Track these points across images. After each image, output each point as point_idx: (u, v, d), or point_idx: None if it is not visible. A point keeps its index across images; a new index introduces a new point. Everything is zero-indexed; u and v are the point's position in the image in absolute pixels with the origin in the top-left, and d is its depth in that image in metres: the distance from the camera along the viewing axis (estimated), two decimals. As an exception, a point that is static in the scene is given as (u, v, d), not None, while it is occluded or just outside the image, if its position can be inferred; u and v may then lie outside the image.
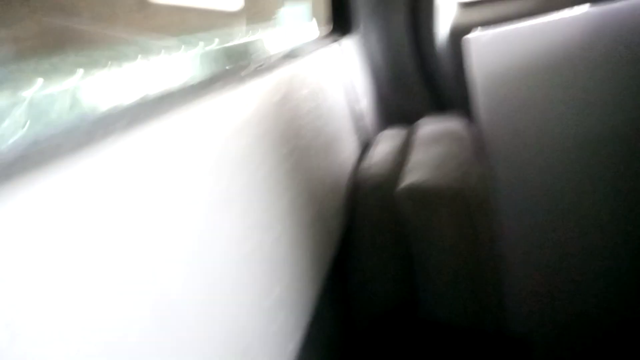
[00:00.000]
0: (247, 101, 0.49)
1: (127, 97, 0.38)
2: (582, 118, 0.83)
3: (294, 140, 0.57)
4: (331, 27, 0.98)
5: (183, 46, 0.50)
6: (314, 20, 0.91)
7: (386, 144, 0.85)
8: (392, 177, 0.72)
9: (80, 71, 0.34)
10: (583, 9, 0.82)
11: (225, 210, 0.38)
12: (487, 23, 1.01)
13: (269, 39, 0.71)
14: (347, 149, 0.78)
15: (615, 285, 0.86)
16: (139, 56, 0.42)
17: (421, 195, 0.57)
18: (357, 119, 0.87)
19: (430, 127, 0.84)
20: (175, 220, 0.32)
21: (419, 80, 1.04)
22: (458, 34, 1.05)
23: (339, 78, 0.81)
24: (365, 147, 0.87)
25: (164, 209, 0.31)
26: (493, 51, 0.81)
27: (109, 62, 0.38)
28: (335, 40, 0.87)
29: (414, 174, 0.61)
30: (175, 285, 0.31)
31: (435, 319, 0.61)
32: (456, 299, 0.60)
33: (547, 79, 0.82)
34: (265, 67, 0.62)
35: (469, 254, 0.57)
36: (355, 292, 0.68)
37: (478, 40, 0.80)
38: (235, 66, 0.58)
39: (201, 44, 0.53)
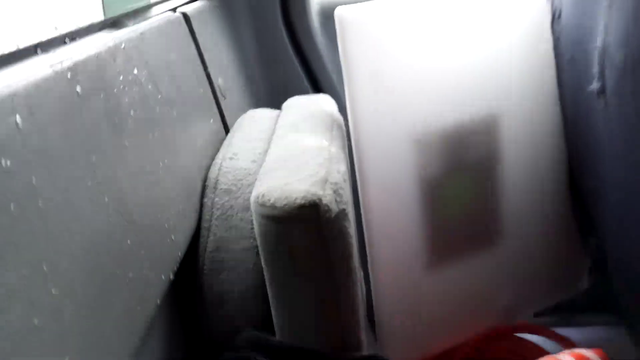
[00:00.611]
0: (39, 90, 0.35)
1: None
2: (459, 102, 0.79)
3: (115, 138, 0.44)
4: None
5: None
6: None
7: (249, 129, 0.74)
8: (250, 177, 0.62)
9: None
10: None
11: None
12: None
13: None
14: (203, 137, 0.67)
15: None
16: None
17: (269, 208, 0.47)
18: (215, 99, 0.75)
19: (296, 110, 0.74)
20: None
21: (288, 55, 0.94)
22: (331, 4, 0.96)
23: (188, 52, 0.68)
24: (227, 132, 0.76)
25: None
26: (365, 26, 0.72)
27: None
28: (180, 5, 0.73)
29: (267, 180, 0.52)
30: None
31: (294, 342, 0.53)
32: (311, 322, 0.52)
33: (422, 61, 0.75)
34: (73, 41, 0.48)
35: (321, 275, 0.50)
36: (203, 312, 0.58)
37: (350, 12, 0.72)
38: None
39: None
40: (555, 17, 0.72)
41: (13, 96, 0.33)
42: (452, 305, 0.91)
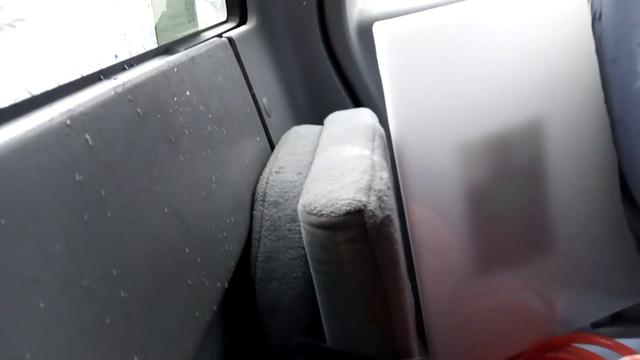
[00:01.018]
0: (105, 112, 0.39)
1: None
2: (502, 108, 0.79)
3: (172, 154, 0.47)
4: (225, 17, 0.88)
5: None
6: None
7: (294, 144, 0.77)
8: (296, 189, 0.64)
9: None
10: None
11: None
12: (399, 12, 0.95)
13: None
14: (250, 153, 0.70)
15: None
16: None
17: (316, 216, 0.49)
18: (260, 118, 0.78)
19: (338, 124, 0.76)
20: None
21: (328, 72, 0.96)
22: (368, 21, 0.98)
23: (234, 74, 0.72)
24: (273, 148, 0.79)
25: None
26: (405, 39, 0.74)
27: None
28: (226, 31, 0.77)
29: (312, 189, 0.54)
30: None
31: (343, 349, 0.54)
32: (361, 328, 0.53)
33: (464, 68, 0.76)
34: (132, 68, 0.52)
35: (369, 281, 0.51)
36: (255, 320, 0.60)
37: (388, 27, 0.73)
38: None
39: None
40: (596, 18, 0.71)
41: (84, 117, 0.37)
42: (504, 315, 0.90)
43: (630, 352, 0.86)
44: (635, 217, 0.86)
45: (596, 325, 1.05)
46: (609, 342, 0.89)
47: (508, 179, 0.82)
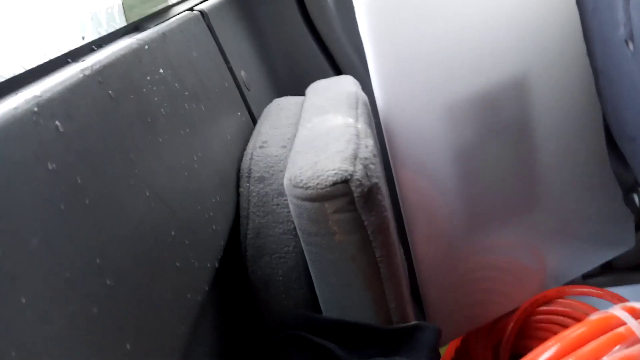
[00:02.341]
0: (74, 96, 0.37)
1: None
2: (485, 64, 0.78)
3: (149, 136, 0.46)
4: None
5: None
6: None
7: (276, 117, 0.75)
8: (281, 163, 0.63)
9: None
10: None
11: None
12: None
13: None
14: (232, 129, 0.68)
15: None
16: None
17: (302, 189, 0.48)
18: (240, 92, 0.76)
19: (320, 94, 0.75)
20: None
21: (307, 40, 0.94)
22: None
23: (209, 48, 0.70)
24: (255, 123, 0.78)
25: None
26: (384, 1, 0.72)
27: None
28: (198, 4, 0.75)
29: (297, 161, 0.53)
30: None
31: (339, 318, 0.54)
32: (355, 297, 0.53)
33: (446, 27, 0.74)
34: (100, 48, 0.50)
35: (360, 250, 0.50)
36: (249, 297, 0.60)
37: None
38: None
39: None
40: (575, -32, 0.70)
41: (52, 103, 0.35)
42: (497, 273, 0.91)
43: (621, 299, 0.87)
44: (621, 168, 0.86)
45: (587, 276, 1.07)
46: (600, 292, 0.91)
47: (495, 137, 0.81)
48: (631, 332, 0.60)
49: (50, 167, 0.33)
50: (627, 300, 0.80)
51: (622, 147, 0.78)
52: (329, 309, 0.56)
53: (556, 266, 0.94)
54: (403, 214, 0.79)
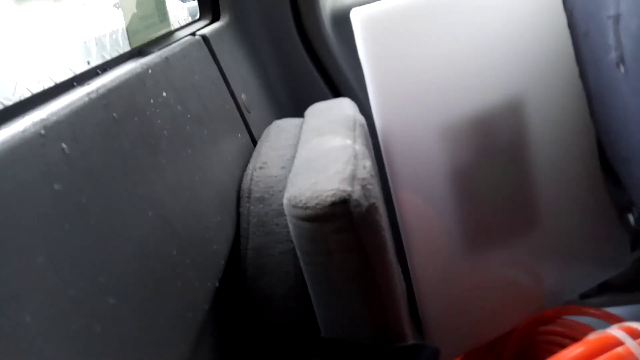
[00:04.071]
0: (80, 119, 0.38)
1: None
2: (482, 87, 0.79)
3: (152, 157, 0.47)
4: (197, 15, 0.87)
5: None
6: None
7: (276, 138, 0.76)
8: (281, 183, 0.64)
9: None
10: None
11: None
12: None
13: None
14: (232, 151, 0.69)
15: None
16: None
17: (301, 209, 0.49)
18: (240, 114, 0.77)
19: (318, 116, 0.76)
20: None
21: (305, 64, 0.96)
22: (342, 10, 0.98)
23: (210, 72, 0.71)
24: (255, 144, 0.79)
25: None
26: (382, 23, 0.74)
27: None
28: (200, 29, 0.76)
29: (297, 182, 0.54)
30: None
31: (338, 338, 0.54)
32: (354, 317, 0.54)
33: (442, 45, 0.76)
34: (105, 72, 0.51)
35: (359, 270, 0.51)
36: (249, 317, 0.60)
37: (366, 12, 0.73)
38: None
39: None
40: (566, -6, 0.72)
41: (58, 126, 0.36)
42: (495, 293, 0.91)
43: (618, 320, 0.88)
44: (615, 188, 0.87)
45: (584, 296, 1.07)
46: (597, 312, 0.91)
47: (492, 158, 0.83)
48: (629, 352, 0.60)
49: (56, 187, 0.34)
50: (624, 321, 0.80)
51: (616, 167, 0.80)
52: (328, 328, 0.56)
53: (553, 286, 0.94)
54: (402, 233, 0.80)
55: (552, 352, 0.84)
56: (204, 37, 0.74)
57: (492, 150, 0.82)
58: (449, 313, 0.87)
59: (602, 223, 0.92)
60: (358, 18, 0.73)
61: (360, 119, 0.75)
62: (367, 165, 0.56)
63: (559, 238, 0.90)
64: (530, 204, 0.88)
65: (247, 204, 0.63)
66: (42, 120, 0.35)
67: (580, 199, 0.90)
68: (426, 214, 0.81)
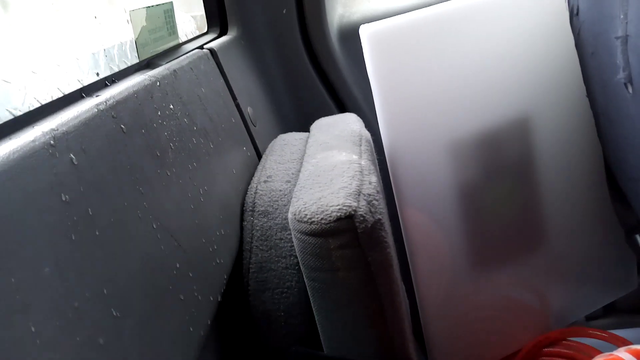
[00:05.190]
0: (89, 130, 0.39)
1: None
2: (489, 106, 0.79)
3: (158, 169, 0.47)
4: (205, 29, 0.88)
5: None
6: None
7: (281, 152, 0.76)
8: (285, 198, 0.64)
9: None
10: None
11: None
12: (379, 16, 0.96)
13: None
14: (237, 164, 0.69)
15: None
16: None
17: (306, 224, 0.49)
18: (246, 128, 0.78)
19: (324, 130, 0.76)
20: None
21: (312, 79, 0.96)
22: (349, 26, 0.99)
23: (217, 85, 0.71)
24: (260, 158, 0.79)
25: None
26: (391, 40, 0.74)
27: None
28: (207, 42, 0.77)
29: (302, 196, 0.53)
30: None
31: (341, 356, 0.54)
32: (357, 334, 0.53)
33: (450, 63, 0.76)
34: (114, 84, 0.52)
35: (363, 286, 0.51)
36: (251, 331, 0.59)
37: (374, 29, 0.73)
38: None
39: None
40: (574, 14, 0.72)
41: (67, 136, 0.36)
42: (500, 313, 0.90)
43: (625, 342, 0.86)
44: (623, 209, 0.87)
45: (590, 318, 1.06)
46: (603, 334, 0.89)
47: (498, 177, 0.82)
48: (636, 375, 0.59)
49: (63, 198, 0.34)
50: (631, 343, 0.79)
51: (624, 188, 0.79)
52: (330, 345, 0.55)
53: (559, 307, 0.93)
54: (407, 250, 0.79)
55: (558, 375, 0.83)
56: (211, 50, 0.74)
57: (499, 168, 0.82)
58: (453, 332, 0.86)
59: (609, 244, 0.91)
60: (367, 34, 0.73)
61: (366, 134, 0.75)
62: (372, 180, 0.56)
63: (565, 258, 0.89)
64: (536, 223, 0.87)
65: (251, 218, 0.63)
66: (52, 130, 0.35)
67: (587, 219, 0.89)
68: (432, 231, 0.81)
